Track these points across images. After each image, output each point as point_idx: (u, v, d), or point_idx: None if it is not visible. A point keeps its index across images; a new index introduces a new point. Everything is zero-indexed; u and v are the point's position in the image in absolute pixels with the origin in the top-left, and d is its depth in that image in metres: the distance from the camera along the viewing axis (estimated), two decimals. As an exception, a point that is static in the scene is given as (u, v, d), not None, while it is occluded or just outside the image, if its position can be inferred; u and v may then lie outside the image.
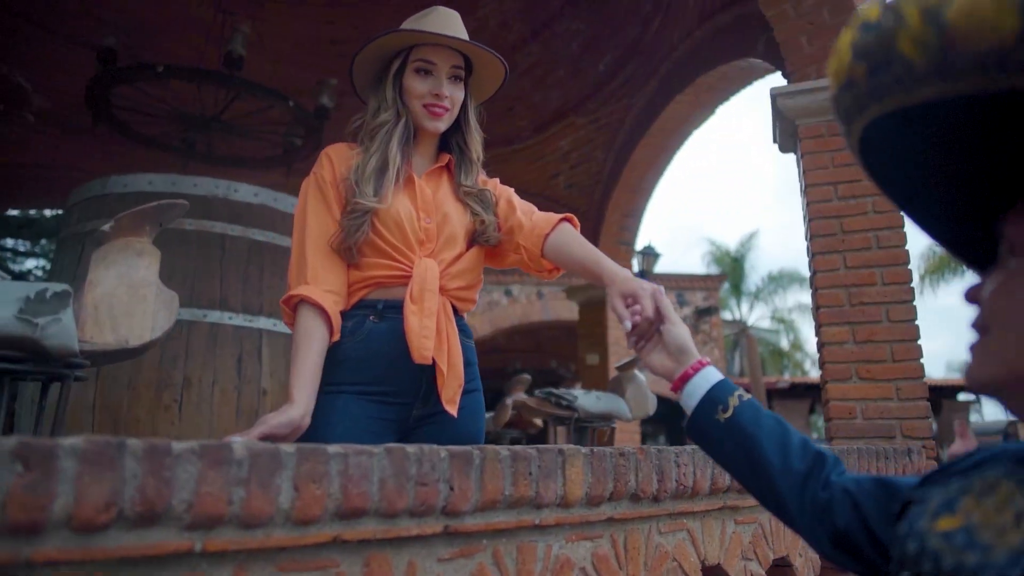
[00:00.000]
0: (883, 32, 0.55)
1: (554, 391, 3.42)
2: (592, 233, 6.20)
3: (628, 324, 1.17)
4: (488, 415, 4.32)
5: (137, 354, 1.34)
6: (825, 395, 2.76)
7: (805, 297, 23.26)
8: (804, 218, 3.04)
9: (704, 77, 4.16)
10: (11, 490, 0.71)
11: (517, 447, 1.25)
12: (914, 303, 2.72)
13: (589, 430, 3.53)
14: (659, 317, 1.17)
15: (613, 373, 6.32)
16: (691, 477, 1.58)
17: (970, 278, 0.73)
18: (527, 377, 4.87)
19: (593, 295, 6.62)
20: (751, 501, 1.79)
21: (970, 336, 0.68)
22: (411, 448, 1.09)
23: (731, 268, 21.35)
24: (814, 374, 18.24)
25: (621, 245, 6.20)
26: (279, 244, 3.29)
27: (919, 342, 2.69)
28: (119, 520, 0.81)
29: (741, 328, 20.72)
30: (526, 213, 1.62)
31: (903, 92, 0.57)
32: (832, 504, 0.93)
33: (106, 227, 1.36)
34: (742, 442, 1.01)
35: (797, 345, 24.10)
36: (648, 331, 1.19)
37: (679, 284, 14.49)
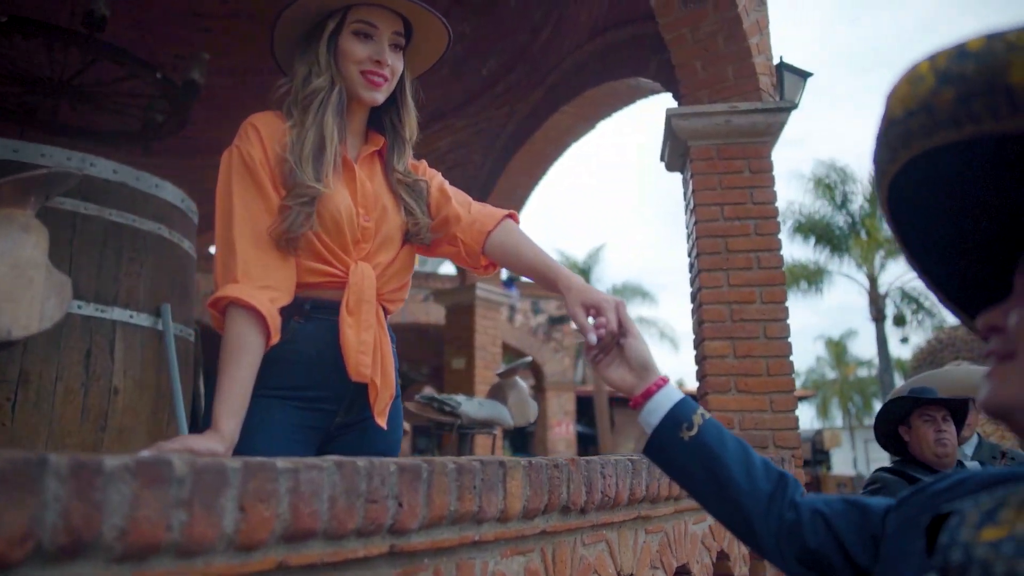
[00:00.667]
0: (992, 60, 0.54)
1: (436, 396, 3.33)
2: (466, 237, 6.16)
3: (593, 338, 1.12)
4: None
5: (9, 347, 1.12)
6: (705, 406, 2.86)
7: (646, 310, 24.65)
8: (689, 236, 3.16)
9: (592, 91, 4.24)
10: None
11: (461, 459, 1.17)
12: (788, 321, 2.90)
13: (469, 436, 3.47)
14: (621, 330, 1.13)
15: (482, 378, 6.30)
16: (614, 488, 1.56)
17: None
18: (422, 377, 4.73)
19: (461, 300, 6.56)
20: (662, 510, 1.80)
21: (990, 363, 0.68)
22: (361, 462, 0.98)
23: (580, 280, 22.09)
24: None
25: (494, 251, 6.21)
26: (140, 228, 2.97)
27: (791, 358, 2.87)
28: (36, 554, 0.65)
29: (590, 338, 21.46)
30: (463, 204, 1.52)
31: (992, 120, 0.55)
32: (801, 524, 0.93)
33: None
34: (707, 462, 0.99)
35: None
36: (608, 344, 1.15)
37: (535, 292, 14.78)
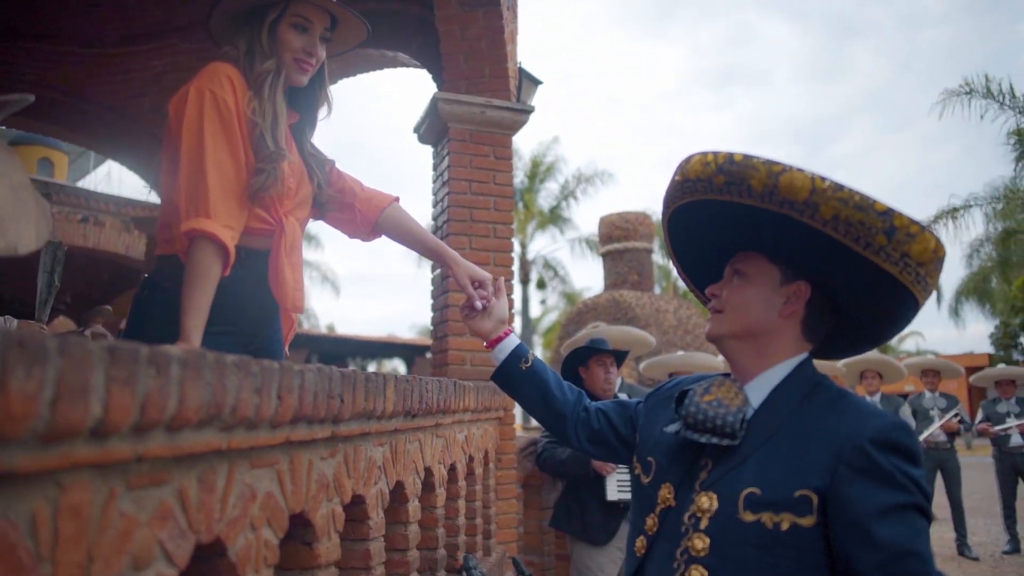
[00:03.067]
0: (744, 172, 1.18)
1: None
2: (177, 165, 5.90)
3: (480, 305, 1.63)
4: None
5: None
6: (445, 347, 3.48)
7: (311, 254, 25.12)
8: (439, 203, 3.72)
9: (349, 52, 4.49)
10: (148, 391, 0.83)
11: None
12: (512, 281, 3.63)
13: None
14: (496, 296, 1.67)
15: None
16: (434, 400, 2.07)
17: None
18: (108, 308, 4.55)
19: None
20: (448, 420, 2.35)
21: (711, 314, 1.39)
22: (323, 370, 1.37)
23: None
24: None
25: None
26: None
27: (511, 310, 3.61)
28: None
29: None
30: (356, 181, 1.88)
31: (734, 195, 1.21)
32: (590, 418, 1.59)
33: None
34: (537, 383, 1.60)
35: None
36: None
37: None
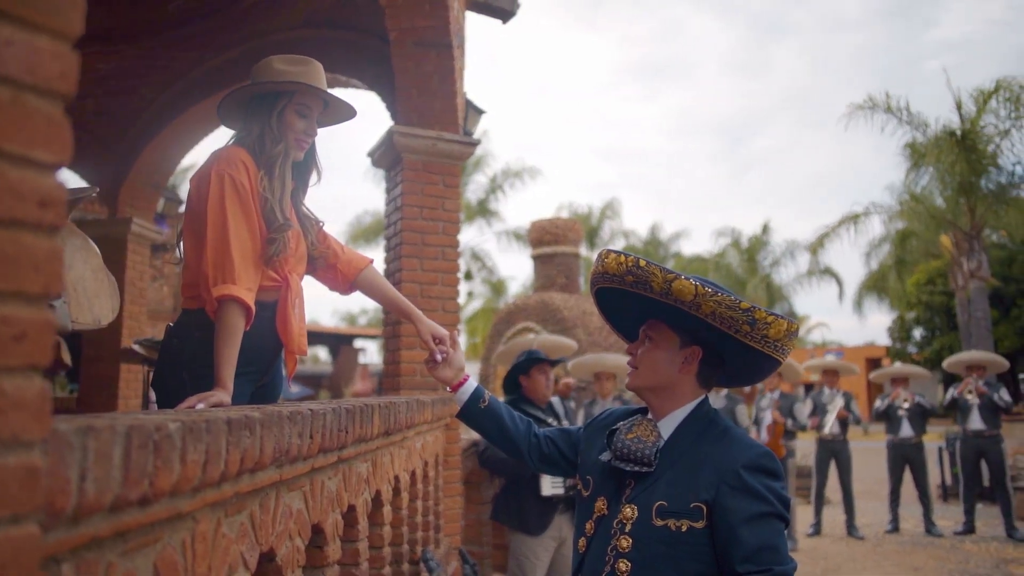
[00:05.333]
0: (647, 276, 1.60)
1: (154, 338, 3.64)
2: (121, 169, 5.99)
3: (439, 357, 2.00)
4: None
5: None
6: (398, 359, 3.82)
7: None
8: (392, 226, 4.04)
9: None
10: (246, 448, 1.19)
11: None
12: (458, 300, 4.00)
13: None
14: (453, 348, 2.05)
15: (128, 313, 6.21)
16: (399, 420, 2.43)
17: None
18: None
19: (112, 232, 6.32)
20: (409, 434, 2.71)
21: (630, 369, 1.80)
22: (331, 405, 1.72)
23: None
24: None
25: (149, 187, 6.15)
26: None
27: (456, 328, 3.99)
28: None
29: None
30: (337, 243, 2.22)
31: (640, 290, 1.63)
32: (540, 443, 2.00)
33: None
34: (494, 418, 2.00)
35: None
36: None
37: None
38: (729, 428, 1.67)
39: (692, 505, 1.54)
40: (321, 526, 1.72)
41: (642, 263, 1.58)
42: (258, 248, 1.90)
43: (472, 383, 2.01)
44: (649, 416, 1.75)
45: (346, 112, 2.17)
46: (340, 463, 1.83)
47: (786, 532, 1.62)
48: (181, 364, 1.89)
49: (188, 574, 1.09)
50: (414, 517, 2.91)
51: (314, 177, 2.17)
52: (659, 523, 1.56)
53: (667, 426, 1.70)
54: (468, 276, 25.56)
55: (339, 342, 24.08)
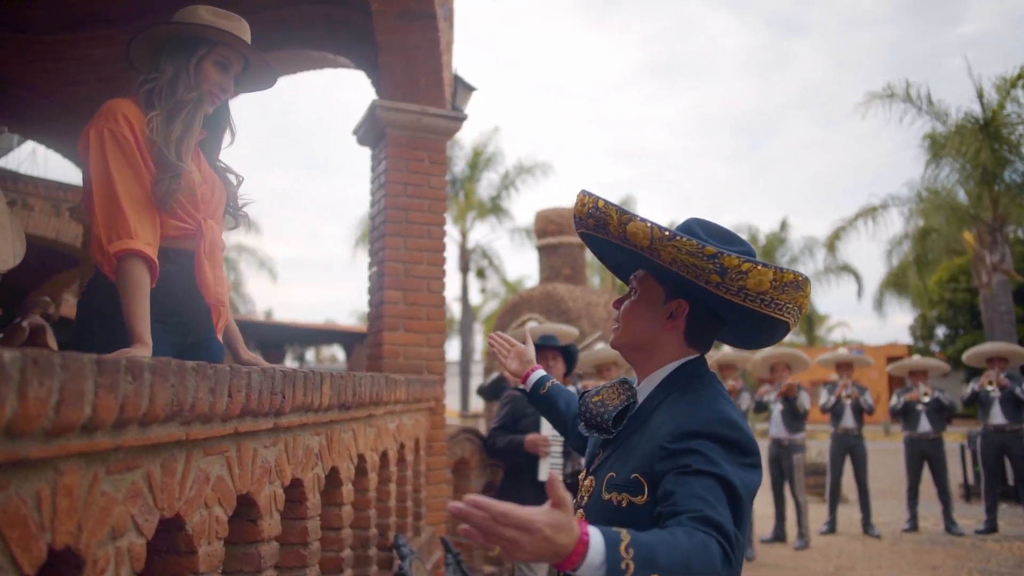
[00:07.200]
0: (605, 217, 1.42)
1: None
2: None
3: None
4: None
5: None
6: (380, 340, 3.68)
7: (249, 240, 24.97)
8: (376, 203, 3.91)
9: (288, 51, 4.61)
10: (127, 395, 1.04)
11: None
12: (444, 280, 3.86)
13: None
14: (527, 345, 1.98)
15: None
16: (366, 393, 2.29)
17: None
18: (47, 299, 4.59)
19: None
20: (379, 410, 2.57)
21: (614, 325, 1.65)
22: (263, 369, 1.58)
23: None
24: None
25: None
26: None
27: (443, 307, 3.84)
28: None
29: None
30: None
31: (601, 235, 1.46)
32: (577, 426, 1.84)
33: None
34: (552, 403, 1.90)
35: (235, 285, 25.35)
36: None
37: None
38: (701, 390, 1.42)
39: (632, 476, 1.34)
40: (253, 497, 1.58)
41: (600, 203, 1.40)
42: (151, 199, 1.79)
43: (537, 373, 1.98)
44: (632, 381, 1.58)
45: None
46: (279, 431, 1.70)
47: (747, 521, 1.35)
48: (95, 325, 1.79)
49: (46, 530, 0.95)
50: (386, 501, 2.77)
51: (227, 138, 2.07)
52: (606, 496, 1.38)
53: (644, 389, 1.50)
54: (480, 275, 25.38)
55: (354, 340, 24.24)
